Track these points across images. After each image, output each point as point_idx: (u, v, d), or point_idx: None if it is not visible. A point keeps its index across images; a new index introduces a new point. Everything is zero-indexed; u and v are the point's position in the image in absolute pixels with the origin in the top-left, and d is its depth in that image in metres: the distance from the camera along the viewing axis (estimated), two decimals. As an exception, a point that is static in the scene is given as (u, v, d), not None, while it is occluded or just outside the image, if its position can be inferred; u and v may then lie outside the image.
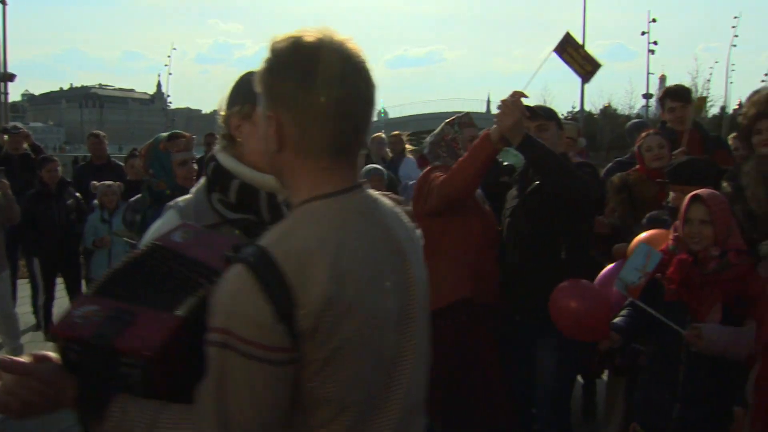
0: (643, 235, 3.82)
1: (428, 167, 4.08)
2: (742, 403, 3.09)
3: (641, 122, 7.45)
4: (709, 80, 44.88)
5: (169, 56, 55.02)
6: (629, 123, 7.32)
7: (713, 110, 44.48)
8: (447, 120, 4.17)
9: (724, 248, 3.24)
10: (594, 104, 51.11)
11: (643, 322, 3.46)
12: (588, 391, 5.39)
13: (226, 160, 1.97)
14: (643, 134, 4.77)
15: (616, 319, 3.47)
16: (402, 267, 1.44)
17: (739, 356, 3.09)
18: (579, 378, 5.34)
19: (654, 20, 45.59)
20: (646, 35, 45.71)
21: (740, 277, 3.21)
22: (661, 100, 5.23)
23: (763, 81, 42.60)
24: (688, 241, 3.31)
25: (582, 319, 3.31)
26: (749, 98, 4.11)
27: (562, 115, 48.78)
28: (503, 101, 3.45)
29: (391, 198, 1.65)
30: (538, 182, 3.83)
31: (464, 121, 4.07)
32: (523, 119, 3.43)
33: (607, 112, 47.73)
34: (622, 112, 48.62)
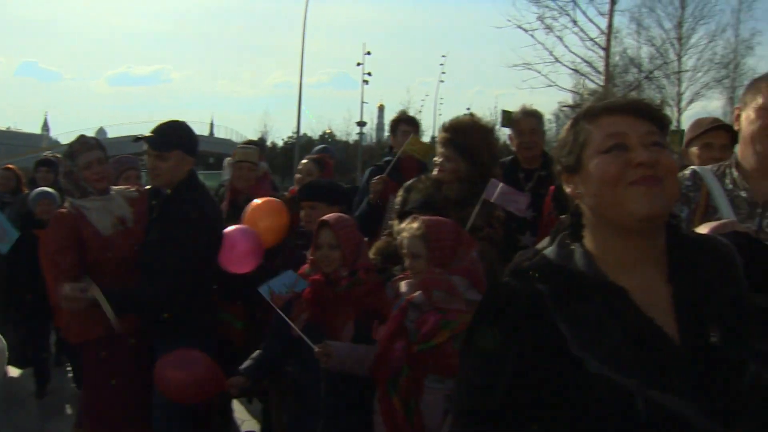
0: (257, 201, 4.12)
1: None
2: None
3: (322, 148, 7.84)
4: (420, 111, 48.54)
5: None
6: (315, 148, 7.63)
7: (424, 139, 48.32)
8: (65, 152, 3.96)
9: (354, 267, 3.43)
10: (314, 130, 53.12)
11: (279, 348, 3.60)
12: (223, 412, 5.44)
13: None
14: (304, 160, 4.97)
15: (245, 363, 3.59)
16: None
17: (365, 372, 3.24)
18: None
19: (369, 53, 48.44)
20: (361, 66, 48.34)
21: (369, 292, 3.40)
22: (394, 126, 5.50)
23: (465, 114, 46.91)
24: (320, 264, 3.47)
25: (190, 388, 3.40)
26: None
27: (282, 139, 49.58)
28: (65, 296, 3.48)
29: None
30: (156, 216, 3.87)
31: (75, 149, 3.84)
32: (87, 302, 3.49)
33: (326, 137, 49.63)
34: (340, 138, 51.15)
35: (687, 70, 27.00)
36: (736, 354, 1.32)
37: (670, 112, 26.78)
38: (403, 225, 3.29)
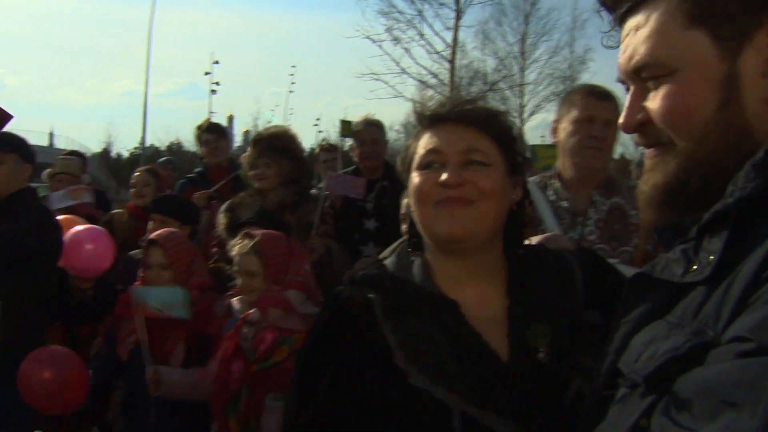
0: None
1: None
2: None
3: (166, 160, 7.70)
4: (270, 122, 48.14)
5: None
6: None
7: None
8: None
9: (187, 287, 3.23)
10: (161, 141, 51.61)
11: (108, 370, 3.40)
12: None
13: None
14: (136, 172, 4.78)
15: None
16: None
17: (203, 397, 3.07)
18: None
19: (217, 62, 47.73)
20: (209, 75, 47.56)
21: (203, 313, 3.24)
22: (199, 136, 5.51)
23: (315, 125, 47.36)
24: (150, 285, 3.25)
25: (59, 391, 3.16)
26: None
27: (128, 150, 48.22)
28: None
29: None
30: None
31: None
32: None
33: (174, 148, 48.32)
34: (188, 149, 49.95)
35: (529, 83, 28.41)
36: (561, 370, 1.31)
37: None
38: (234, 241, 3.14)
